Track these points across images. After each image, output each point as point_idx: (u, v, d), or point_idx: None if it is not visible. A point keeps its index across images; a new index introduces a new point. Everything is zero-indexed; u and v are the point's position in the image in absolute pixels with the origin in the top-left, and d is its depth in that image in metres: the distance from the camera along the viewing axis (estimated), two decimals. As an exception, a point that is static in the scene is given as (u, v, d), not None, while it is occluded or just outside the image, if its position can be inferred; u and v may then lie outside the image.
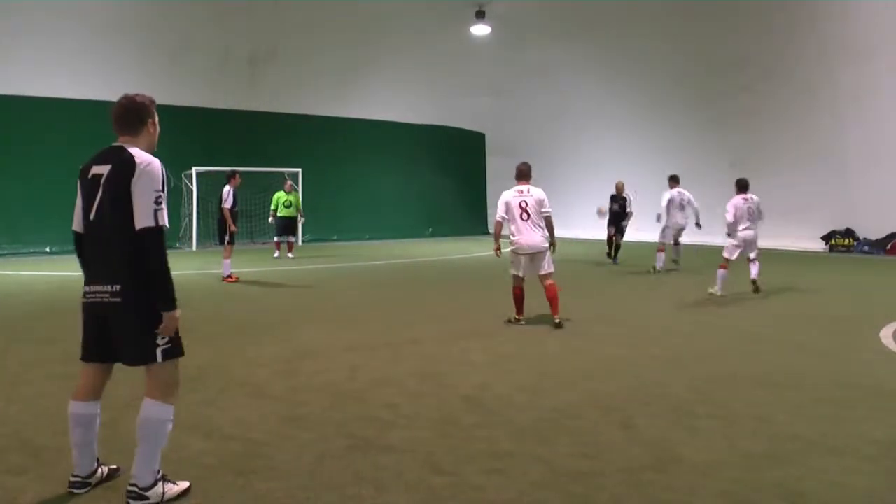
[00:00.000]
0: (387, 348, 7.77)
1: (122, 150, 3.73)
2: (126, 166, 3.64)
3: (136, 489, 3.73)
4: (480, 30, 24.95)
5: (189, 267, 16.12)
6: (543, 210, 9.02)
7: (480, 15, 24.21)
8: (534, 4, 23.66)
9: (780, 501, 3.87)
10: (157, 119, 3.96)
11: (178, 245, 21.45)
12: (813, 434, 4.97)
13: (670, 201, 15.87)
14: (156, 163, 3.69)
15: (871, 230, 20.61)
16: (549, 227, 9.07)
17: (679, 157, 23.80)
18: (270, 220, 19.10)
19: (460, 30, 24.85)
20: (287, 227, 19.08)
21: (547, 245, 9.03)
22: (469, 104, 28.47)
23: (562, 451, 4.60)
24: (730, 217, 12.00)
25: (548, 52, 25.67)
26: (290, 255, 18.91)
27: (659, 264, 15.55)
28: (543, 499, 3.89)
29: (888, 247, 20.19)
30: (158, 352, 3.69)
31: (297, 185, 22.15)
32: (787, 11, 20.38)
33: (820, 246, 21.40)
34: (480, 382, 6.31)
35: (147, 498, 3.72)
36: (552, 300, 9.02)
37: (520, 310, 9.28)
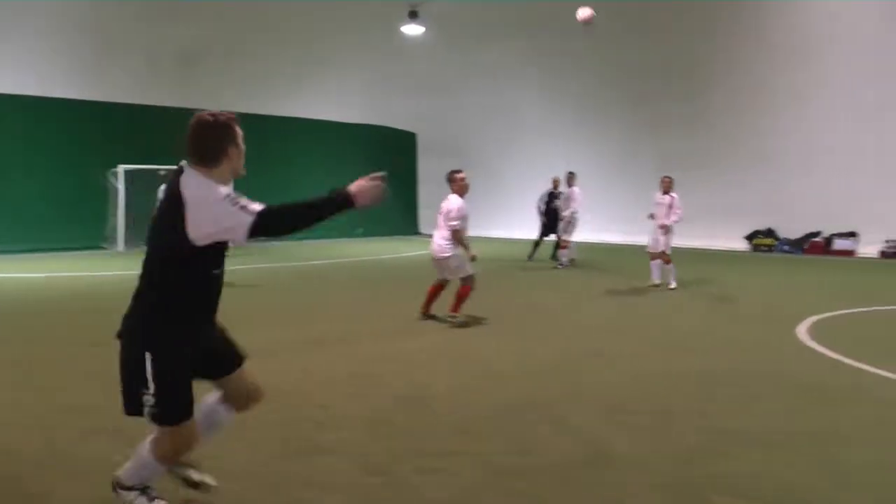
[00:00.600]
0: (323, 348, 7.70)
1: (178, 175, 3.32)
2: (176, 200, 3.21)
3: (118, 479, 3.47)
4: (413, 30, 24.90)
5: (117, 268, 15.71)
6: (448, 222, 9.00)
7: (413, 15, 24.16)
8: (468, 5, 23.73)
9: (714, 495, 3.97)
10: (240, 139, 3.40)
11: (104, 246, 20.88)
12: (744, 428, 5.11)
13: (575, 199, 16.37)
14: (212, 193, 3.20)
15: (791, 230, 21.41)
16: (455, 239, 9.00)
17: (616, 158, 24.32)
18: None
19: (393, 29, 24.76)
20: None
21: (446, 255, 9.02)
22: (402, 104, 28.36)
23: (498, 448, 4.63)
24: (681, 213, 12.65)
25: (482, 52, 25.76)
26: None
27: (564, 260, 16.22)
28: (480, 497, 3.91)
29: (806, 246, 21.01)
30: (144, 411, 3.23)
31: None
32: (723, 16, 20.99)
33: (744, 245, 22.10)
34: (417, 381, 6.32)
35: (117, 494, 3.47)
36: (456, 297, 9.08)
37: (426, 305, 9.40)
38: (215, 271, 3.41)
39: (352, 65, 25.40)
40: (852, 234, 20.39)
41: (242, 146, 3.42)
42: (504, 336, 8.50)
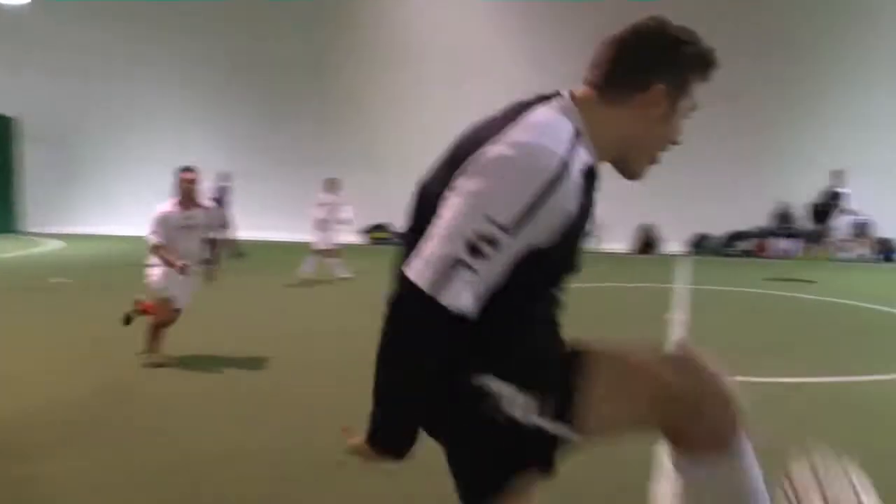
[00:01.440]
0: None
1: (521, 107, 1.79)
2: (474, 138, 1.79)
3: None
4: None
5: None
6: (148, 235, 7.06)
7: (14, -16, 21.71)
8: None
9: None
10: (690, 89, 1.80)
11: None
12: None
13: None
14: (542, 153, 1.65)
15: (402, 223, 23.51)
16: (153, 254, 6.99)
17: (244, 151, 24.33)
18: None
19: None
20: None
21: (147, 264, 7.11)
22: (-1, 83, 25.14)
23: (100, 459, 4.47)
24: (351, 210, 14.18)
25: (97, 32, 24.02)
26: None
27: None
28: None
29: (416, 237, 23.38)
30: (558, 433, 1.87)
31: None
32: (326, 15, 22.21)
33: (363, 239, 23.68)
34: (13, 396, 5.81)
35: None
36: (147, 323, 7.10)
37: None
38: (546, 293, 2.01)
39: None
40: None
41: (692, 101, 1.83)
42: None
